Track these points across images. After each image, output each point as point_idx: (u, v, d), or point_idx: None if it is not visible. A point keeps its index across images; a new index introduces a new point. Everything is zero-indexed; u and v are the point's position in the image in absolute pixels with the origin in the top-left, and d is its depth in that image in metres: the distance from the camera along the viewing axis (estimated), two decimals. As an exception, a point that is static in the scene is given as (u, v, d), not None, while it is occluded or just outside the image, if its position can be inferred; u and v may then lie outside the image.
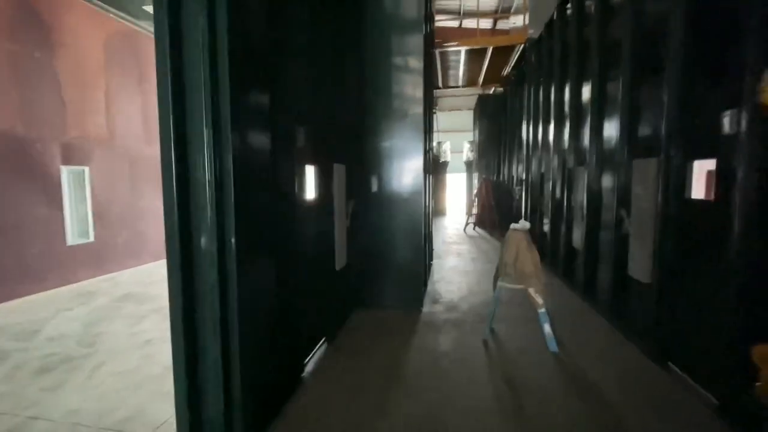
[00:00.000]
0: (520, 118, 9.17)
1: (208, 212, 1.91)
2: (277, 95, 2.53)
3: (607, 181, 4.39)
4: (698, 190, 2.92)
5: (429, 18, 5.85)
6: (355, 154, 4.33)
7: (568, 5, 5.81)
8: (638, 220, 3.50)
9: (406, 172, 4.43)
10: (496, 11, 11.02)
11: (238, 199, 1.99)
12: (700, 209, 2.80)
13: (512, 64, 9.49)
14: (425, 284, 5.01)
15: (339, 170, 3.77)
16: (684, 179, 2.94)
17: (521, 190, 8.98)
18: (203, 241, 1.94)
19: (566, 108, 5.87)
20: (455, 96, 19.32)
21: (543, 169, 7.12)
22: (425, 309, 4.37)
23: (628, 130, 3.80)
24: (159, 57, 1.83)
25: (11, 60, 5.09)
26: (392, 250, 4.43)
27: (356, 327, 3.85)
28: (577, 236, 5.18)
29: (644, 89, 3.57)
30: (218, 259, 1.93)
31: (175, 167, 1.86)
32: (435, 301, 4.66)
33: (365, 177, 4.47)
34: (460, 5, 9.11)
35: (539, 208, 7.28)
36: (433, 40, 6.42)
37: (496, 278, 3.58)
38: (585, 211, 4.80)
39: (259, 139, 2.29)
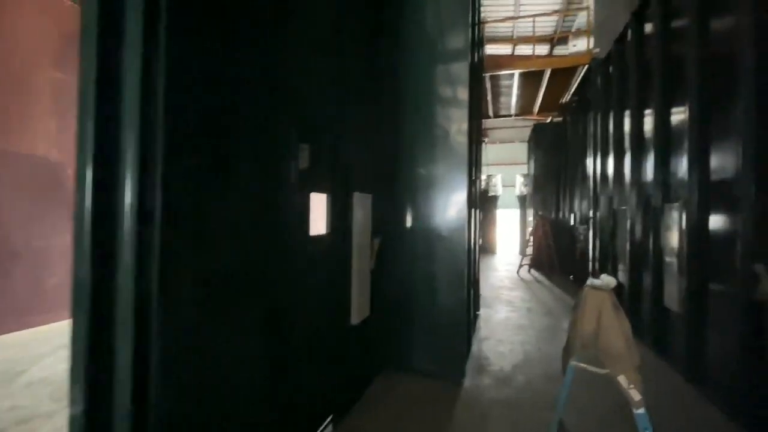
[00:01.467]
0: (584, 148, 8.07)
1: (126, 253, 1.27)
2: (276, 100, 1.94)
3: (719, 222, 3.27)
4: None
5: (477, 44, 5.25)
6: (386, 184, 3.65)
7: (648, 12, 4.90)
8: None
9: (447, 205, 3.65)
10: (552, 37, 10.25)
11: (179, 235, 1.34)
12: None
13: (573, 90, 8.52)
14: (469, 342, 4.05)
15: (362, 200, 3.09)
16: None
17: (586, 230, 7.73)
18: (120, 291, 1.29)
19: (648, 135, 4.82)
20: (506, 127, 18.44)
21: (616, 207, 5.95)
22: (468, 381, 3.39)
23: (754, 156, 2.76)
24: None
25: (55, 87, 5.17)
26: (428, 299, 3.57)
27: (376, 400, 2.99)
28: (673, 292, 3.97)
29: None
30: (134, 321, 1.26)
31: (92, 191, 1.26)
32: (481, 370, 3.67)
33: (398, 210, 3.74)
34: (513, 30, 8.46)
35: (611, 254, 6.04)
36: (481, 67, 5.78)
37: (567, 354, 2.58)
38: (686, 262, 3.65)
39: (230, 155, 1.67)
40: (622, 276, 5.47)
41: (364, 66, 3.31)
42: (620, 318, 2.44)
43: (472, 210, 5.12)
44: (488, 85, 8.38)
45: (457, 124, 3.68)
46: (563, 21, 10.65)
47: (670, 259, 4.06)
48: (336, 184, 2.70)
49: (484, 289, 7.66)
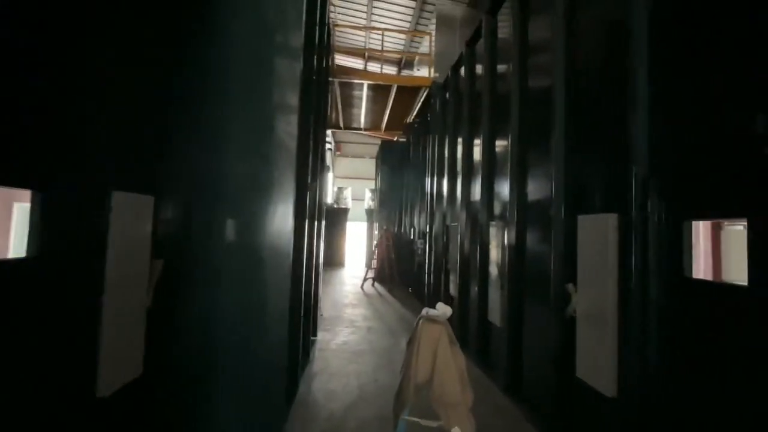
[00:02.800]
0: (424, 167, 8.51)
1: None
2: None
3: (535, 241, 3.48)
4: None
5: (323, 45, 4.78)
6: (180, 183, 2.66)
7: (478, 45, 5.31)
8: (595, 301, 2.49)
9: (272, 215, 2.88)
10: (400, 59, 10.78)
11: None
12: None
13: (416, 111, 8.98)
14: (295, 386, 3.33)
15: (132, 205, 2.05)
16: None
17: (424, 244, 8.07)
18: None
19: (477, 158, 5.14)
20: (358, 143, 18.88)
21: (449, 223, 6.26)
22: (286, 442, 2.66)
23: (563, 181, 2.95)
24: None
25: None
26: (239, 341, 2.71)
27: None
28: (495, 308, 4.15)
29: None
30: None
31: None
32: (307, 420, 2.98)
33: (199, 219, 2.78)
34: (365, 41, 8.41)
35: (444, 267, 6.30)
36: (328, 70, 5.34)
37: (398, 404, 2.11)
38: (506, 278, 3.82)
39: None
40: (453, 288, 5.69)
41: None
42: (456, 354, 2.11)
43: (311, 222, 4.51)
44: (338, 92, 8.08)
45: (285, 124, 2.99)
46: (411, 42, 11.44)
47: (494, 275, 4.25)
48: (64, 173, 1.63)
49: (327, 308, 7.11)
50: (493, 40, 4.78)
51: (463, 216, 5.39)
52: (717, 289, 1.96)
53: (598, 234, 2.49)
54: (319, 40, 4.58)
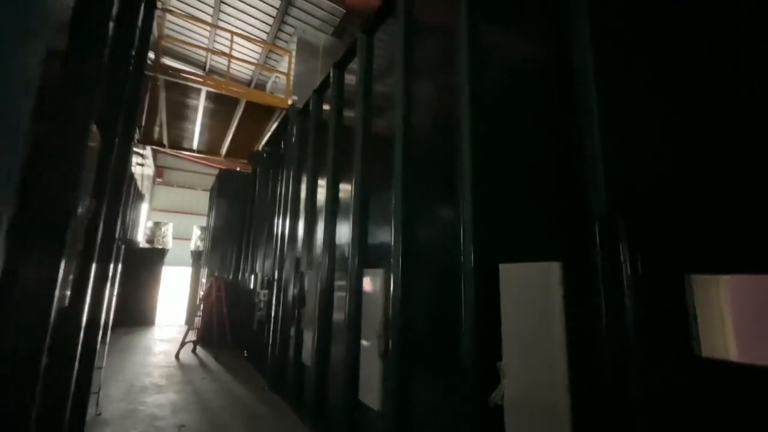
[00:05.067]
0: (274, 204, 7.18)
1: None
2: None
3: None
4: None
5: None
6: None
7: (350, 66, 4.67)
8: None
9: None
10: (249, 82, 9.48)
11: None
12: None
13: (267, 138, 7.72)
14: None
15: None
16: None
17: (269, 295, 6.55)
18: None
19: (343, 197, 4.29)
20: (187, 171, 15.92)
21: (304, 270, 5.08)
22: None
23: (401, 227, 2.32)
24: None
25: None
26: None
27: None
28: (373, 383, 3.13)
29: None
30: None
31: None
32: None
33: None
34: (206, 60, 6.87)
35: (297, 324, 4.98)
36: (142, 53, 3.74)
37: None
38: (389, 342, 2.90)
39: None
40: (308, 354, 4.43)
41: None
42: None
43: (86, 264, 2.70)
44: (163, 96, 6.15)
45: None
46: (266, 58, 10.27)
47: (370, 336, 3.27)
48: None
49: (114, 398, 4.70)
50: (369, 59, 4.19)
51: (326, 262, 4.34)
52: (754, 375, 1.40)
53: (534, 288, 1.84)
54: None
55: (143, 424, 4.00)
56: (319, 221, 4.87)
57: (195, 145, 8.22)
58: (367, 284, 3.38)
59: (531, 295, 1.85)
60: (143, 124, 7.27)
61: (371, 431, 3.09)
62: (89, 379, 3.17)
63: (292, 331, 5.21)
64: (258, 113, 6.87)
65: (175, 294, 15.89)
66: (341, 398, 3.48)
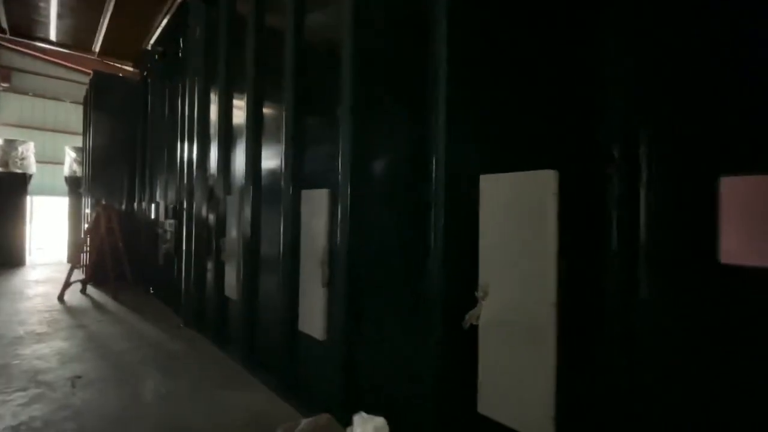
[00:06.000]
0: (176, 119, 5.93)
1: None
2: None
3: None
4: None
5: None
6: None
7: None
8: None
9: None
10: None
11: None
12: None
13: (158, 32, 6.10)
14: None
15: None
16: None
17: (176, 224, 5.68)
18: None
19: (273, 112, 3.54)
20: (48, 76, 12.53)
21: (222, 196, 4.36)
22: None
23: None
24: None
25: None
26: None
27: None
28: (313, 315, 2.85)
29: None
30: None
31: None
32: None
33: None
34: None
35: (217, 255, 4.38)
36: None
37: None
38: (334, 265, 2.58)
39: None
40: (231, 288, 3.96)
41: None
42: None
43: None
44: None
45: None
46: None
47: (309, 261, 2.91)
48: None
49: (-29, 355, 3.74)
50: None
51: (250, 186, 3.70)
52: None
53: (522, 200, 1.62)
54: None
55: (21, 381, 3.25)
56: (238, 142, 4.09)
57: (53, 35, 6.17)
58: (307, 206, 2.92)
59: (518, 208, 1.63)
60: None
61: (314, 361, 2.88)
62: None
63: (210, 264, 4.60)
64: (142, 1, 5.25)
65: (50, 228, 13.40)
66: (278, 329, 3.16)
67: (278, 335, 3.17)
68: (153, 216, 6.79)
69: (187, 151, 5.37)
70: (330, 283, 2.69)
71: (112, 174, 8.50)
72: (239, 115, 4.12)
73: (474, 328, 1.76)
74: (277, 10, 3.43)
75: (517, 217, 1.62)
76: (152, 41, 6.42)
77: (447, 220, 1.90)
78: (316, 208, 2.81)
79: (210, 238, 4.59)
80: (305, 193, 2.95)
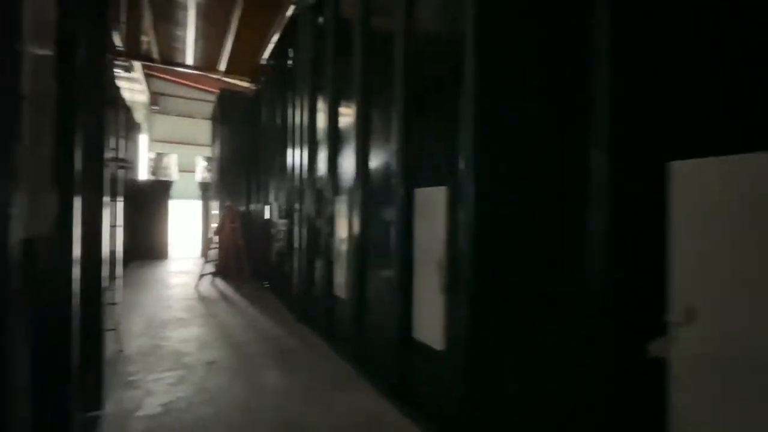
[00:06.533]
0: (286, 126, 6.35)
1: None
2: None
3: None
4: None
5: None
6: None
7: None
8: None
9: None
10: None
11: None
12: None
13: (273, 47, 6.61)
14: None
15: None
16: None
17: (289, 225, 6.05)
18: None
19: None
20: (185, 98, 14.75)
21: (331, 197, 4.46)
22: None
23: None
24: None
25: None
26: None
27: None
28: (430, 321, 2.66)
29: None
30: None
31: None
32: None
33: None
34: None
35: (327, 255, 4.50)
36: None
37: None
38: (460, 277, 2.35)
39: None
40: (341, 287, 4.00)
41: None
42: None
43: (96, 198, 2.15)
44: (148, 6, 5.03)
45: None
46: None
47: (426, 268, 2.73)
48: None
49: (135, 334, 4.41)
50: None
51: (358, 189, 3.68)
52: None
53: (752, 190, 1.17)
54: None
55: (169, 361, 3.69)
56: (346, 144, 4.13)
57: (190, 59, 7.14)
58: (421, 206, 2.75)
59: (743, 202, 1.19)
60: (125, 31, 6.18)
61: (429, 369, 2.68)
62: (98, 315, 2.74)
63: (320, 263, 4.75)
64: (260, 9, 5.71)
65: (186, 227, 15.68)
66: (389, 333, 3.05)
67: (389, 339, 3.05)
68: (266, 216, 7.39)
69: (296, 156, 5.68)
70: (450, 289, 2.46)
71: (233, 179, 9.55)
72: (347, 118, 4.17)
73: (656, 362, 1.36)
74: (384, 11, 3.35)
75: (741, 214, 1.19)
76: (265, 56, 6.98)
77: (614, 220, 1.53)
78: (432, 208, 2.61)
79: (319, 237, 4.75)
80: (419, 192, 2.78)
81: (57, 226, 2.00)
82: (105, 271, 2.85)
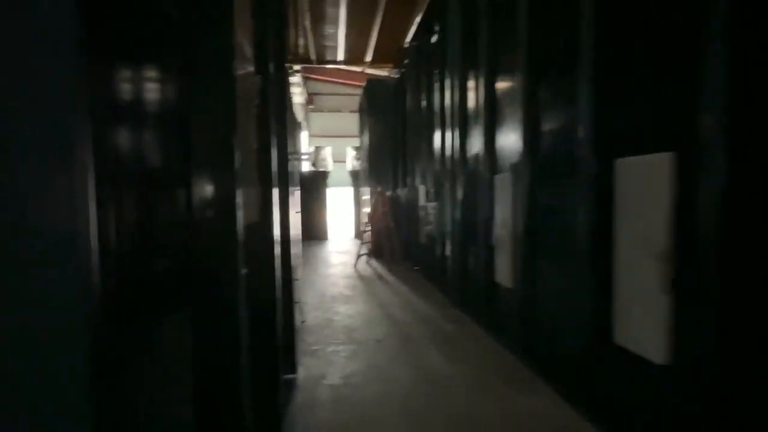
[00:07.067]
0: (433, 105, 6.21)
1: None
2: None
3: None
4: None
5: None
6: None
7: None
8: None
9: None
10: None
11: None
12: None
13: (415, 29, 6.50)
14: None
15: None
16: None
17: (438, 207, 5.96)
18: None
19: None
20: (334, 94, 16.21)
21: (496, 175, 4.11)
22: None
23: None
24: None
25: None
26: None
27: None
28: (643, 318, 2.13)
29: None
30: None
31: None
32: None
33: None
34: None
35: (485, 240, 4.21)
36: None
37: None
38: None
39: None
40: (504, 274, 3.66)
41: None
42: None
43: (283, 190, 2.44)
44: (308, 15, 5.53)
45: None
46: None
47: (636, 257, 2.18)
48: None
49: (310, 306, 5.01)
50: None
51: (526, 163, 3.24)
52: None
53: None
54: None
55: (342, 335, 4.03)
56: (506, 117, 3.71)
57: (340, 55, 7.64)
58: (626, 180, 2.19)
59: None
60: (289, 40, 6.95)
61: (641, 387, 2.16)
62: (290, 289, 3.11)
63: (478, 247, 4.50)
64: (401, 5, 5.62)
65: (340, 211, 17.43)
66: (574, 333, 2.60)
67: (574, 340, 2.61)
68: (414, 199, 7.49)
69: (445, 137, 5.48)
70: (677, 289, 1.89)
71: (380, 165, 10.03)
72: (505, 91, 3.74)
73: None
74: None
75: None
76: (408, 39, 6.93)
77: None
78: (646, 183, 2.04)
79: (475, 220, 4.48)
80: (622, 163, 2.21)
81: (260, 214, 2.27)
82: (295, 250, 3.21)
